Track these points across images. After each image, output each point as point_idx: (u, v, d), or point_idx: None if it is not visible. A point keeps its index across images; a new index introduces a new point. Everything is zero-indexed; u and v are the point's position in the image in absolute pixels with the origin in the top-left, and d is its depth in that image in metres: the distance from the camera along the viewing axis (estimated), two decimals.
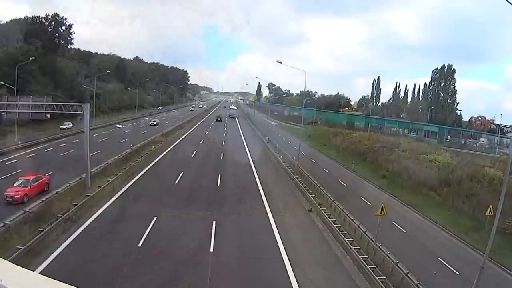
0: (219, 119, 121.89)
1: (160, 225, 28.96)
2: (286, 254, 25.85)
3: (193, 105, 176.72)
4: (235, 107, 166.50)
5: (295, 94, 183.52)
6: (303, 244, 28.57)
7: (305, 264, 24.94)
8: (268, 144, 77.65)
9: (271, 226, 31.16)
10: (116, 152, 50.62)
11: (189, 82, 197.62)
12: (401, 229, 34.26)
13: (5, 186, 32.87)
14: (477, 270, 25.71)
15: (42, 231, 24.11)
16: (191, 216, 31.89)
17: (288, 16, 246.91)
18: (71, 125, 71.47)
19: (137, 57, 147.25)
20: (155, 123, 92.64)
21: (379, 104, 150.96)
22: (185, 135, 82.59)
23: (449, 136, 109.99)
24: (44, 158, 49.21)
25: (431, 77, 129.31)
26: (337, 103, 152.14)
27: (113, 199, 34.19)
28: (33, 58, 69.95)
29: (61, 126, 70.75)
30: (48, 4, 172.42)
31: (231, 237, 28.52)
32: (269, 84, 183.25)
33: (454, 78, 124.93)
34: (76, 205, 28.82)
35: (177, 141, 72.78)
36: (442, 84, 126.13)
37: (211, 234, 28.04)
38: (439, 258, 28.70)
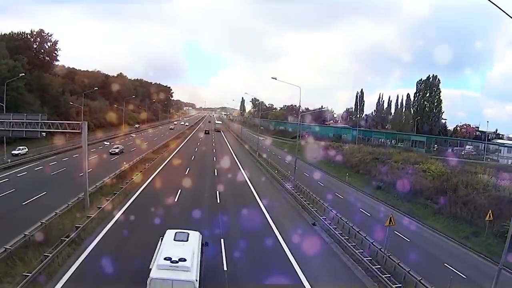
0: (207, 132, 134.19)
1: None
2: (293, 256, 27.44)
3: (175, 122, 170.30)
4: (220, 122, 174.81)
5: (278, 108, 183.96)
6: (313, 259, 28.05)
7: (319, 276, 25.24)
8: (259, 158, 77.17)
9: (276, 237, 31.85)
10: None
11: (172, 98, 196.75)
12: (404, 237, 34.57)
13: None
14: (481, 273, 28.77)
15: (47, 256, 22.83)
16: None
17: (269, 31, 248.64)
18: (26, 150, 62.93)
19: (120, 73, 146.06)
20: (117, 150, 70.99)
21: (363, 115, 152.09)
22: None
23: (435, 145, 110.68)
24: None
25: (416, 88, 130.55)
26: (322, 116, 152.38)
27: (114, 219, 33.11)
28: (23, 74, 68.39)
29: (14, 152, 60.45)
30: (32, 21, 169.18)
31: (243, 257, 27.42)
32: (252, 99, 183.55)
33: (439, 89, 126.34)
34: (78, 227, 27.56)
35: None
36: (427, 95, 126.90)
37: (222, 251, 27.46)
38: (445, 264, 29.52)
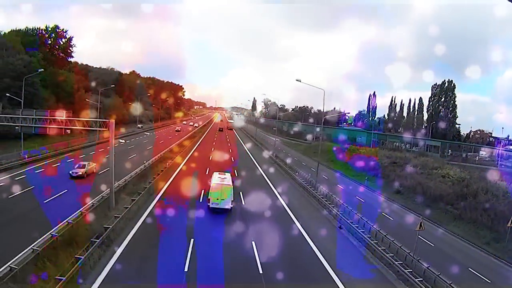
0: (220, 129, 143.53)
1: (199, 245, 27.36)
2: (325, 259, 27.49)
3: (184, 122, 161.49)
4: (232, 121, 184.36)
5: (290, 110, 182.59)
6: (343, 259, 28.12)
7: (351, 278, 25.17)
8: (277, 160, 76.24)
9: (303, 236, 32.18)
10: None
11: (184, 97, 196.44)
12: (428, 242, 34.38)
13: None
14: (504, 278, 30.05)
15: (79, 258, 21.76)
16: (229, 235, 30.32)
17: (280, 32, 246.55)
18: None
19: (133, 71, 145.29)
20: (80, 172, 45.95)
21: (375, 118, 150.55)
22: None
23: (449, 150, 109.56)
24: None
25: (431, 92, 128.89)
26: (335, 118, 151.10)
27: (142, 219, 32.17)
28: (42, 69, 67.52)
29: None
30: (43, 18, 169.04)
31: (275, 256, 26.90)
32: (264, 99, 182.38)
33: (454, 93, 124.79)
34: (107, 227, 26.51)
35: None
36: (442, 99, 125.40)
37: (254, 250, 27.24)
38: (469, 269, 30.01)
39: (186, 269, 23.56)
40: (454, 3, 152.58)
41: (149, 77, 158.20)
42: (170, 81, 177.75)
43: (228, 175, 41.31)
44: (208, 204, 36.39)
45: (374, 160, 77.05)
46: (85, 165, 47.27)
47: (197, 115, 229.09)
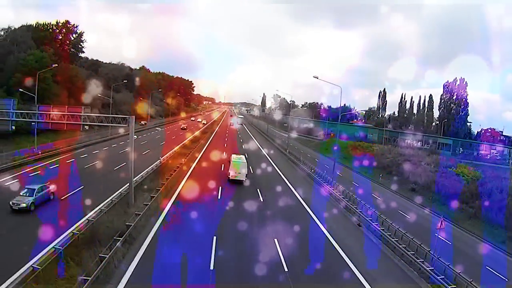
0: (231, 124, 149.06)
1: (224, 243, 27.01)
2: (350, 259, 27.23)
3: (192, 118, 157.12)
4: (242, 116, 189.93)
5: (300, 106, 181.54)
6: (362, 253, 28.89)
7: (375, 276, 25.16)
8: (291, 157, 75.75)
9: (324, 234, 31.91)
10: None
11: (193, 92, 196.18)
12: (445, 240, 33.95)
13: None
14: None
15: (104, 257, 21.17)
16: (252, 235, 29.81)
17: (289, 28, 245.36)
18: None
19: (143, 66, 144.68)
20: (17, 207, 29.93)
21: (385, 115, 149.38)
22: None
23: (461, 148, 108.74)
24: None
25: (443, 90, 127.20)
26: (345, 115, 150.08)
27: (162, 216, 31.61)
28: (56, 65, 67.04)
29: None
30: (52, 13, 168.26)
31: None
32: (274, 95, 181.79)
33: (466, 91, 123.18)
34: (129, 225, 25.94)
35: None
36: (454, 97, 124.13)
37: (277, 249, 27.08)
38: (486, 267, 29.98)
39: (212, 267, 23.06)
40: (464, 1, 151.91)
41: (159, 72, 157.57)
42: (179, 76, 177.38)
43: (243, 156, 52.54)
44: (228, 176, 47.04)
45: (387, 158, 76.53)
46: (34, 190, 30.81)
47: (207, 110, 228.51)
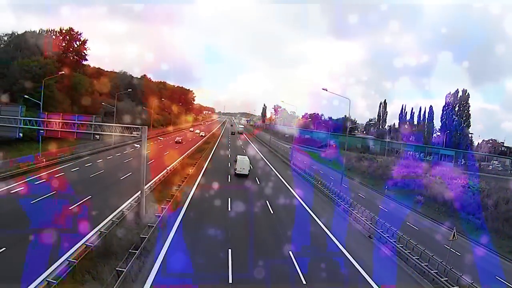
0: (233, 133, 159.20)
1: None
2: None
3: (191, 129, 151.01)
4: (242, 126, 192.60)
5: (300, 116, 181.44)
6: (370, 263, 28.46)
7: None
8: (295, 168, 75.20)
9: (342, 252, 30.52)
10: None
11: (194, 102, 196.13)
12: (454, 251, 33.09)
13: None
14: None
15: (121, 271, 20.45)
16: (265, 249, 29.01)
17: (289, 38, 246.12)
18: None
19: (144, 75, 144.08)
20: None
21: (386, 126, 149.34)
22: None
23: (463, 160, 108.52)
24: None
25: (445, 101, 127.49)
26: (347, 125, 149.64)
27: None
28: (63, 72, 66.51)
29: None
30: (56, 20, 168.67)
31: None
32: (274, 105, 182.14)
33: (468, 103, 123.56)
34: (144, 237, 25.27)
35: None
36: (456, 108, 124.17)
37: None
38: (496, 277, 30.41)
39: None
40: (463, 12, 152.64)
41: (160, 81, 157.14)
42: (180, 86, 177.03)
43: (246, 156, 66.76)
44: (235, 171, 59.31)
45: (392, 170, 76.12)
46: None
47: (207, 120, 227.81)
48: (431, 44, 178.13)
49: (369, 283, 24.86)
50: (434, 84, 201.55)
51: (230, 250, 26.65)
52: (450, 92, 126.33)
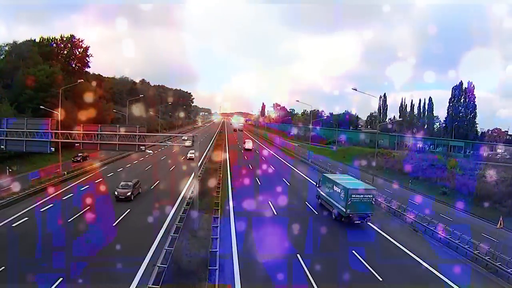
0: (235, 130, 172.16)
1: None
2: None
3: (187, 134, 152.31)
4: (242, 124, 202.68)
5: (300, 114, 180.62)
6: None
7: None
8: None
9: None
10: None
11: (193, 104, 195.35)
12: (492, 238, 33.72)
13: None
14: None
15: None
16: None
17: (282, 36, 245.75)
18: None
19: (143, 79, 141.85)
20: None
21: (387, 120, 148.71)
22: None
23: (471, 150, 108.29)
24: None
25: (451, 93, 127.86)
26: (348, 121, 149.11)
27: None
28: (81, 80, 65.08)
29: None
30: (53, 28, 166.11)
31: None
32: (273, 104, 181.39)
33: (474, 95, 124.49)
34: (215, 251, 23.44)
35: None
36: (461, 100, 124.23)
37: None
38: None
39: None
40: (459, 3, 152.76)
41: (159, 85, 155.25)
42: (178, 89, 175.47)
43: (251, 140, 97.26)
44: (243, 146, 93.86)
45: (411, 163, 74.93)
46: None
47: (206, 122, 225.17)
48: (427, 36, 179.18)
49: None
50: (434, 76, 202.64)
51: None
52: (456, 84, 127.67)
